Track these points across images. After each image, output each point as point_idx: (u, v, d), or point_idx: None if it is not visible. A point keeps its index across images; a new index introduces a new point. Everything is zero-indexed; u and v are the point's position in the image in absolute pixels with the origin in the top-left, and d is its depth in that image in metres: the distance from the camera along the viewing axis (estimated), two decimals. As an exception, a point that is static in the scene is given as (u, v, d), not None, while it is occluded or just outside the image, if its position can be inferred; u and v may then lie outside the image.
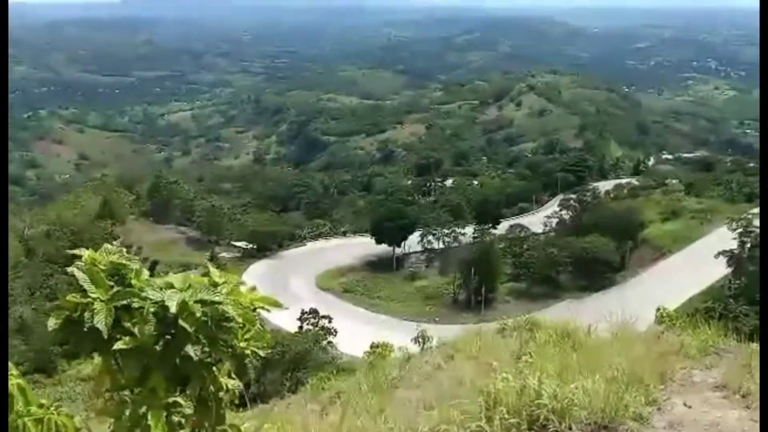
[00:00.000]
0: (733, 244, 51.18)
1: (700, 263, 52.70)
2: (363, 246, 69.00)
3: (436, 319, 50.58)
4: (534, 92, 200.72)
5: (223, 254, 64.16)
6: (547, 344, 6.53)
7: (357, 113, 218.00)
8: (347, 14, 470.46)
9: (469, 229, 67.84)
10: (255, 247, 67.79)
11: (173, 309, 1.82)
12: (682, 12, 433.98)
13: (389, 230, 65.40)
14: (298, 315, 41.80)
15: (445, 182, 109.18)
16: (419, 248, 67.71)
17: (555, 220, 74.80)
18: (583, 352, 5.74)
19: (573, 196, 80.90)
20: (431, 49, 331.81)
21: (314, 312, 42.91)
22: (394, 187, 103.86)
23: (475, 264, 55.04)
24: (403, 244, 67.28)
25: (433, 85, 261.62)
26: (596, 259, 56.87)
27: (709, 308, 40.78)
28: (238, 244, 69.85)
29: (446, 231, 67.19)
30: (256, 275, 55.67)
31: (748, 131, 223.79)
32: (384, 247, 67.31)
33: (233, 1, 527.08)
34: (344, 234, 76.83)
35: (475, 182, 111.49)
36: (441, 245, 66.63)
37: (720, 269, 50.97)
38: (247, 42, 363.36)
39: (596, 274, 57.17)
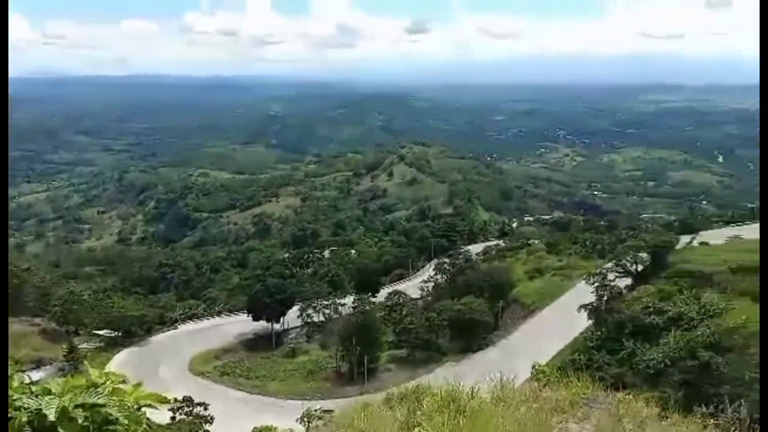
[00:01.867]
0: (592, 298, 55.20)
1: (564, 317, 56.16)
2: (240, 324, 66.54)
3: (319, 395, 49.38)
4: (404, 162, 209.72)
5: (84, 345, 58.73)
6: (433, 412, 6.60)
7: (229, 188, 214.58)
8: (219, 90, 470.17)
9: (349, 299, 67.71)
10: (120, 334, 62.88)
11: (52, 417, 1.65)
12: (531, 89, 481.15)
13: (267, 306, 63.74)
14: (170, 405, 38.91)
15: (323, 253, 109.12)
16: (299, 322, 66.28)
17: (431, 285, 76.84)
18: (469, 416, 5.87)
19: (447, 260, 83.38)
20: (303, 123, 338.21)
21: (188, 400, 40.22)
22: (271, 262, 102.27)
23: (356, 334, 54.72)
24: (282, 319, 65.68)
25: (307, 158, 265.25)
26: (472, 319, 58.64)
27: (573, 360, 43.46)
28: (100, 332, 64.35)
29: (326, 303, 66.59)
30: (121, 365, 51.85)
31: (595, 193, 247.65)
32: (262, 324, 65.31)
33: (99, 78, 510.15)
34: (219, 313, 73.64)
35: (353, 251, 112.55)
36: (321, 318, 65.73)
37: (582, 322, 54.54)
38: (113, 119, 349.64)
39: (473, 335, 58.85)
